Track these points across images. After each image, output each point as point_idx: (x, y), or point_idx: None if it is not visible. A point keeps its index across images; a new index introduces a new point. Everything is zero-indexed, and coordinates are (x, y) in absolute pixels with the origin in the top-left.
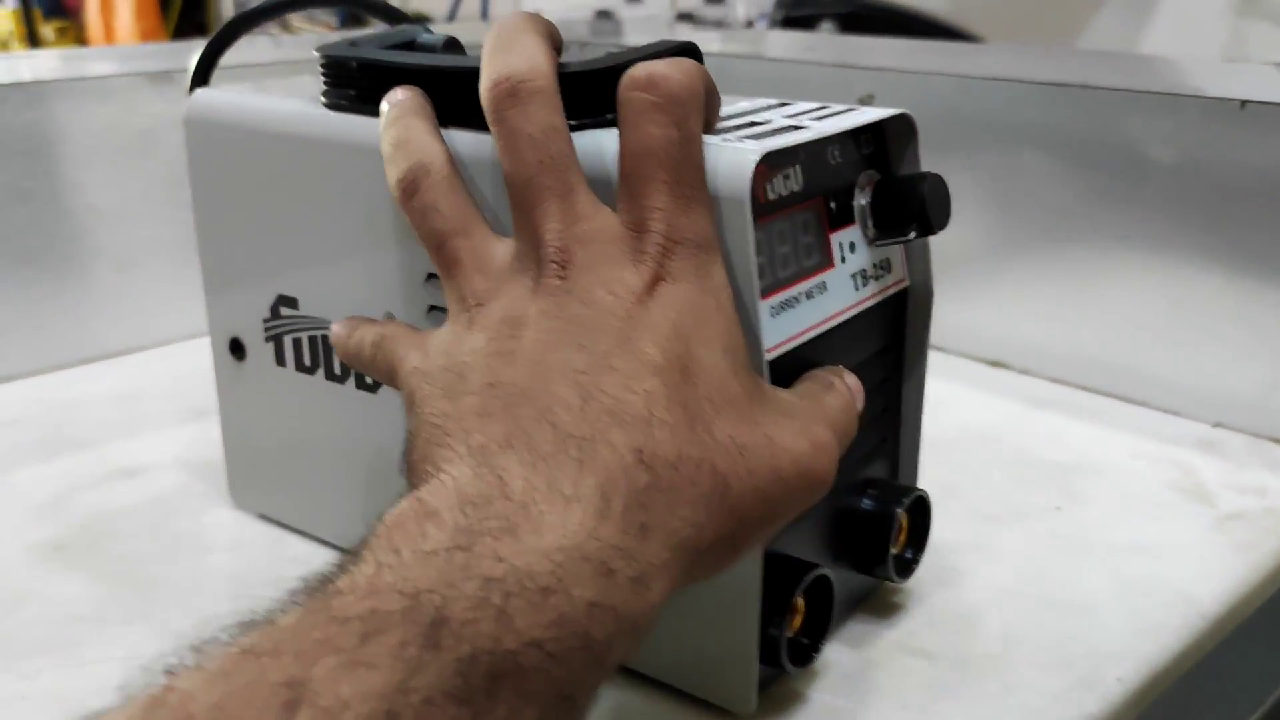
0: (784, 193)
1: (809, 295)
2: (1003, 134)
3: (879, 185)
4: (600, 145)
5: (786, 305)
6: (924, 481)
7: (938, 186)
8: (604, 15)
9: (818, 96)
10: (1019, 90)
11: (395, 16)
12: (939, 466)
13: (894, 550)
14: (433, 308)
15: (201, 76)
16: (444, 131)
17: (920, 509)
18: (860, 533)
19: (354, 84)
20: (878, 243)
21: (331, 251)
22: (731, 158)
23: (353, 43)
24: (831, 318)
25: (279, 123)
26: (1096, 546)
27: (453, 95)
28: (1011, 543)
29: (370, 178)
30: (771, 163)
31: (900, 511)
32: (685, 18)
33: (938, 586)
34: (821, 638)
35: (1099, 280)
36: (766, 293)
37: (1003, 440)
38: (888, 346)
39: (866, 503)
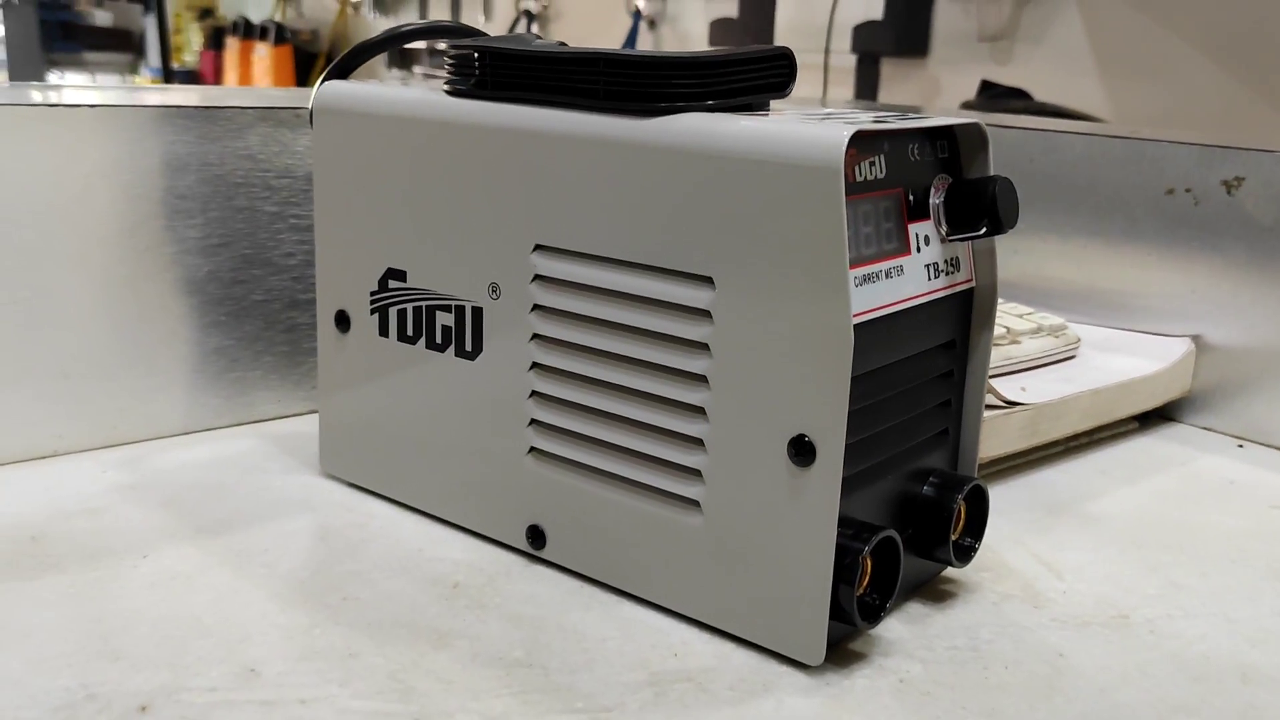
0: (869, 177)
1: (888, 275)
2: None
3: (952, 186)
4: (699, 127)
5: (869, 279)
6: None
7: (1007, 188)
8: None
9: (1173, 179)
10: None
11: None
12: None
13: (953, 537)
14: (538, 276)
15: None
16: (539, 110)
17: (978, 498)
18: (921, 518)
19: (475, 72)
20: (951, 238)
21: (443, 225)
22: (827, 133)
23: (475, 38)
24: (906, 300)
25: (402, 108)
26: None
27: (554, 76)
28: None
29: (484, 154)
30: (860, 147)
31: (959, 499)
32: None
33: None
34: (889, 597)
35: None
36: (853, 264)
37: None
38: (953, 340)
39: (927, 489)
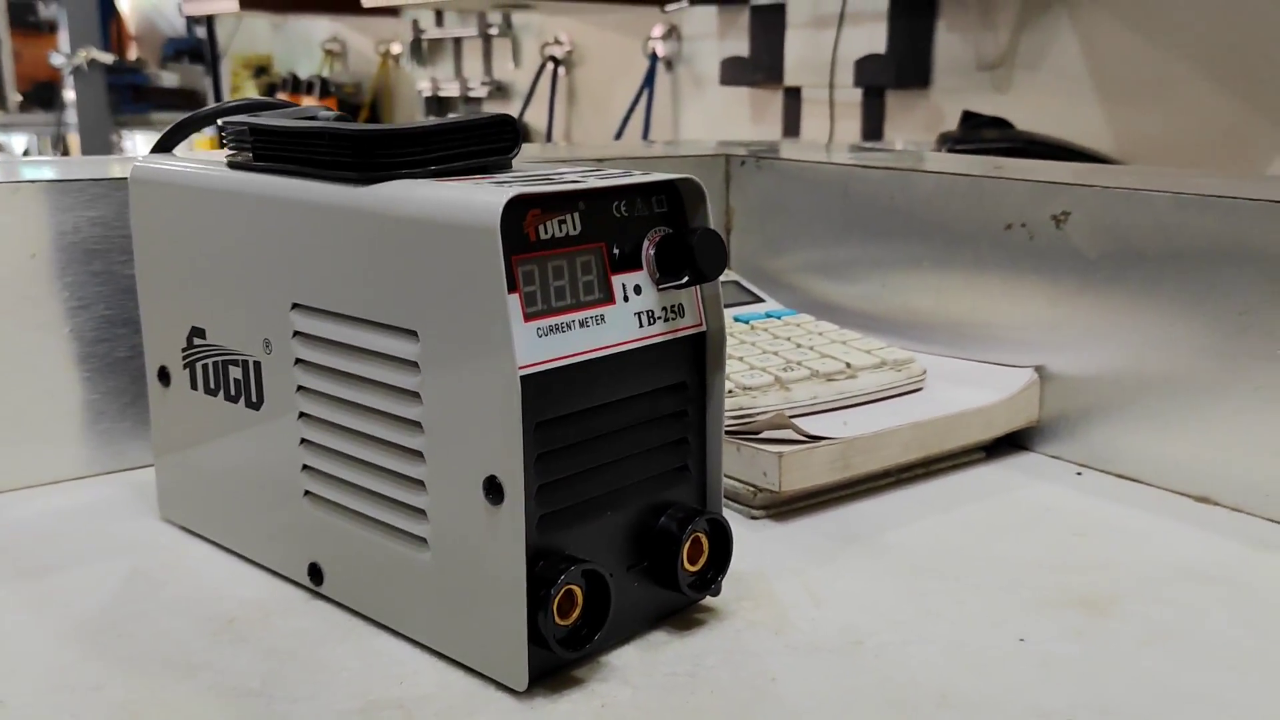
0: (559, 234)
1: (583, 324)
2: (1222, 251)
3: (663, 238)
4: (398, 194)
5: (556, 329)
6: (1132, 618)
7: (707, 239)
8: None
9: (1011, 214)
10: (1241, 207)
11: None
12: (1149, 603)
13: (693, 568)
14: (297, 332)
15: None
16: (290, 180)
17: (719, 531)
18: (656, 550)
19: (249, 145)
20: (662, 287)
21: (226, 286)
22: (489, 198)
23: (255, 115)
24: (609, 346)
25: (192, 179)
26: None
27: (299, 149)
28: (1244, 692)
29: (250, 220)
30: (546, 207)
31: (693, 531)
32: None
33: None
34: (599, 627)
35: None
36: (533, 316)
37: (1222, 581)
38: (684, 383)
39: (663, 521)
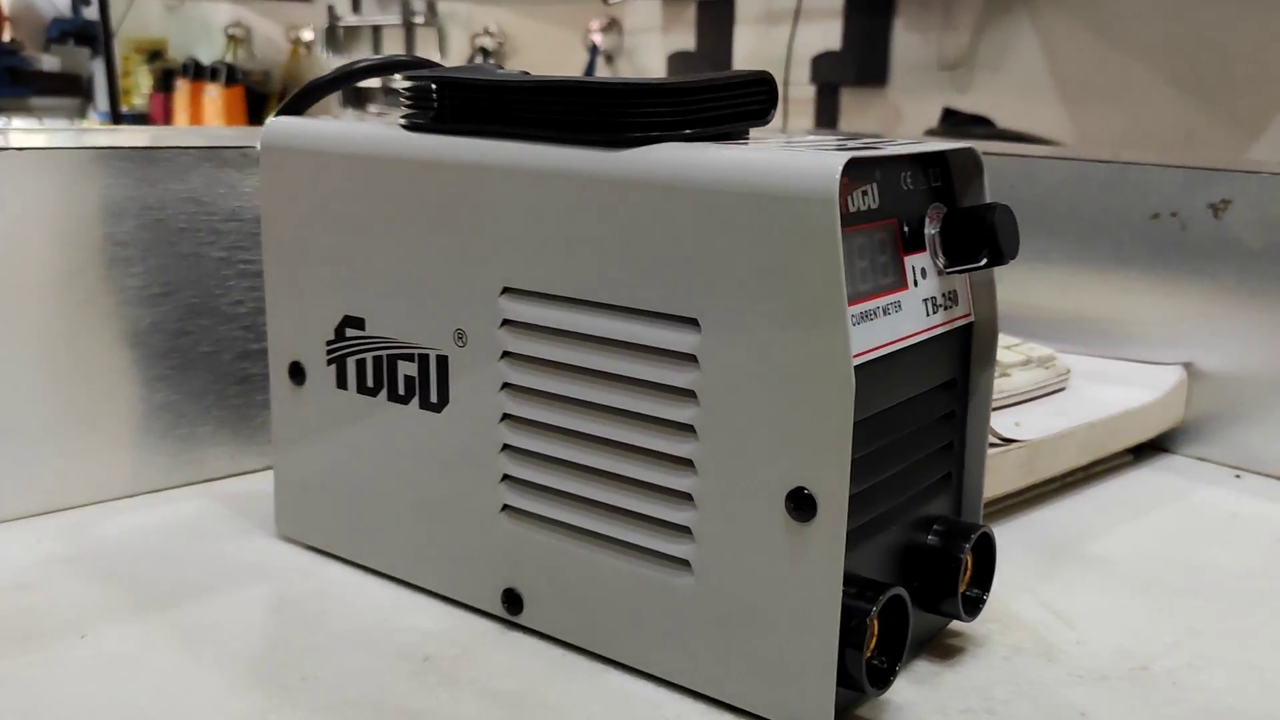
0: (863, 207)
1: (885, 311)
2: None
3: (947, 215)
4: (675, 158)
5: (866, 316)
6: None
7: (1007, 216)
8: None
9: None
10: None
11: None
12: None
13: (960, 589)
14: (506, 321)
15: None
16: (503, 144)
17: (985, 546)
18: (926, 570)
19: (433, 104)
20: (948, 270)
21: (403, 268)
22: (819, 161)
23: (434, 69)
24: (905, 338)
25: (356, 144)
26: None
27: (518, 107)
28: None
29: (445, 191)
30: (853, 175)
31: (966, 548)
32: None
33: None
34: (898, 659)
35: None
36: (850, 301)
37: None
38: (954, 379)
39: (932, 539)
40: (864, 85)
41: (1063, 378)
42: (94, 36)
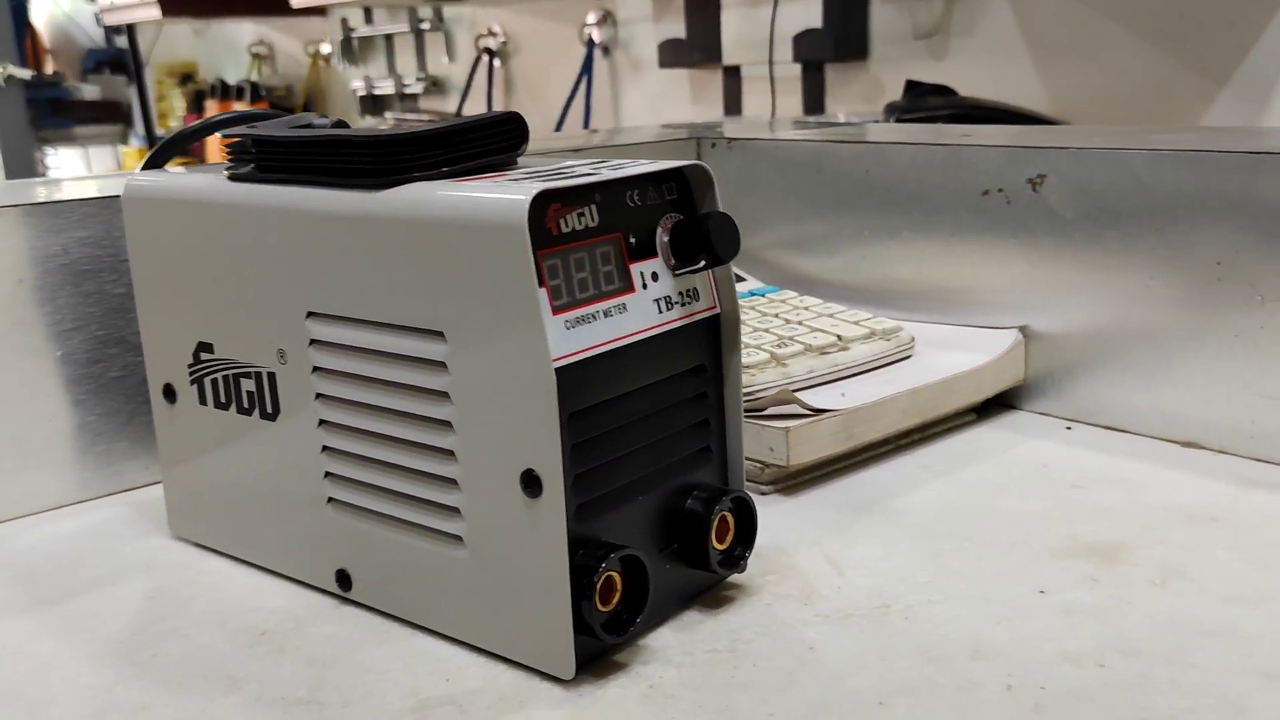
0: (579, 227)
1: (607, 314)
2: (1196, 205)
3: (676, 224)
4: (418, 196)
5: (583, 320)
6: (1142, 563)
7: (721, 222)
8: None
9: (987, 181)
10: (1214, 160)
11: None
12: (1154, 546)
13: (721, 546)
14: (313, 340)
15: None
16: (299, 190)
17: (743, 508)
18: (685, 532)
19: (250, 157)
20: (678, 272)
21: (236, 299)
22: (514, 194)
23: (252, 126)
24: (632, 334)
25: (192, 194)
26: None
27: (309, 158)
28: (1260, 624)
29: (259, 232)
30: (565, 200)
31: (719, 510)
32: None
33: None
34: (639, 611)
35: None
36: (560, 309)
37: (1220, 521)
38: (702, 365)
39: (690, 503)
40: (846, 60)
41: (906, 347)
42: (128, 64)
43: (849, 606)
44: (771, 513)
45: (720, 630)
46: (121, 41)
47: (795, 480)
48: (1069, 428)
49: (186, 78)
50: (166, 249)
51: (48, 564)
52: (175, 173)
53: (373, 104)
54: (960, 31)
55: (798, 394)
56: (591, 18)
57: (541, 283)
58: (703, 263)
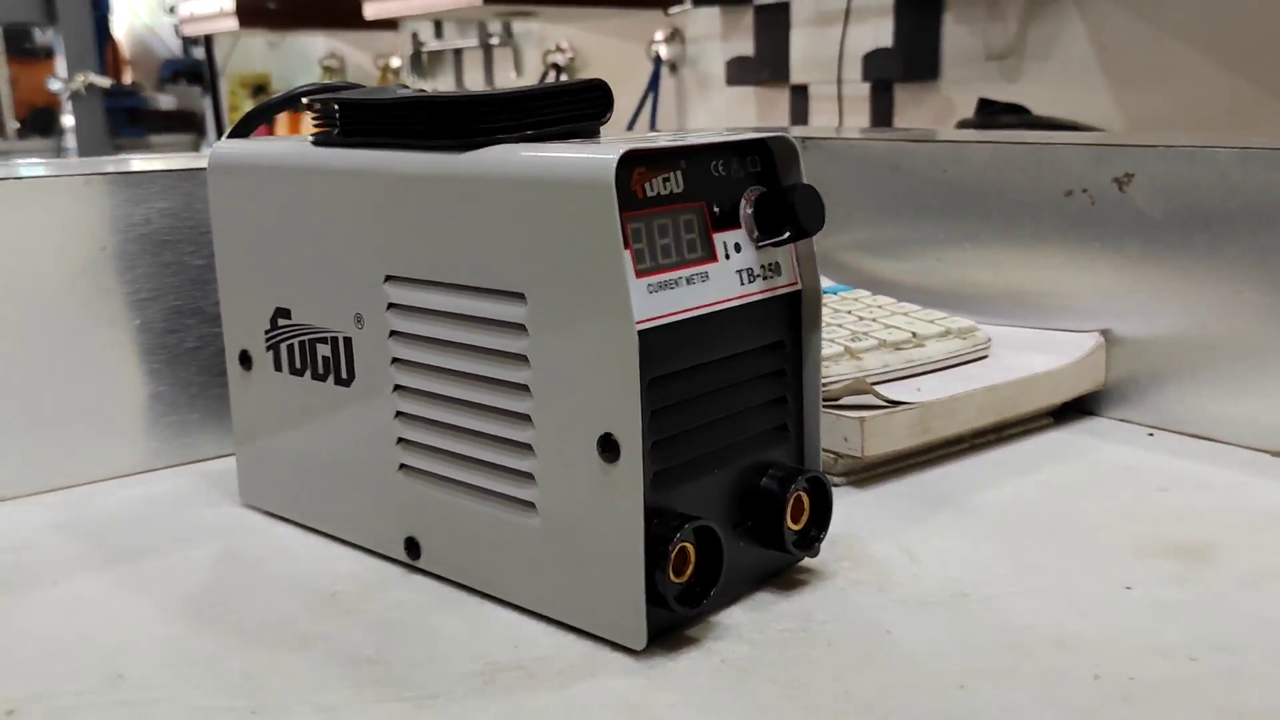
0: (663, 192)
1: (689, 281)
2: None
3: (760, 196)
4: (502, 157)
5: (665, 286)
6: (1232, 564)
7: (806, 194)
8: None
9: (1070, 180)
10: None
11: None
12: (1244, 549)
13: (795, 527)
14: (391, 304)
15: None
16: (381, 153)
17: (818, 489)
18: (759, 510)
19: (334, 122)
20: (761, 244)
21: (314, 264)
22: (599, 154)
23: (337, 94)
24: (713, 304)
25: (275, 159)
26: None
27: (390, 121)
28: None
29: (339, 196)
30: (650, 165)
31: (795, 490)
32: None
33: None
34: (713, 584)
35: None
36: (643, 273)
37: None
38: (781, 341)
39: (765, 482)
40: (916, 80)
41: (982, 347)
42: (203, 75)
43: (925, 594)
44: (845, 503)
45: (793, 611)
46: (198, 53)
47: (869, 473)
48: (1151, 434)
49: (259, 89)
50: (249, 215)
51: (121, 526)
52: (260, 140)
53: None
54: (1034, 54)
55: (874, 386)
56: (659, 35)
57: (626, 245)
58: (787, 234)
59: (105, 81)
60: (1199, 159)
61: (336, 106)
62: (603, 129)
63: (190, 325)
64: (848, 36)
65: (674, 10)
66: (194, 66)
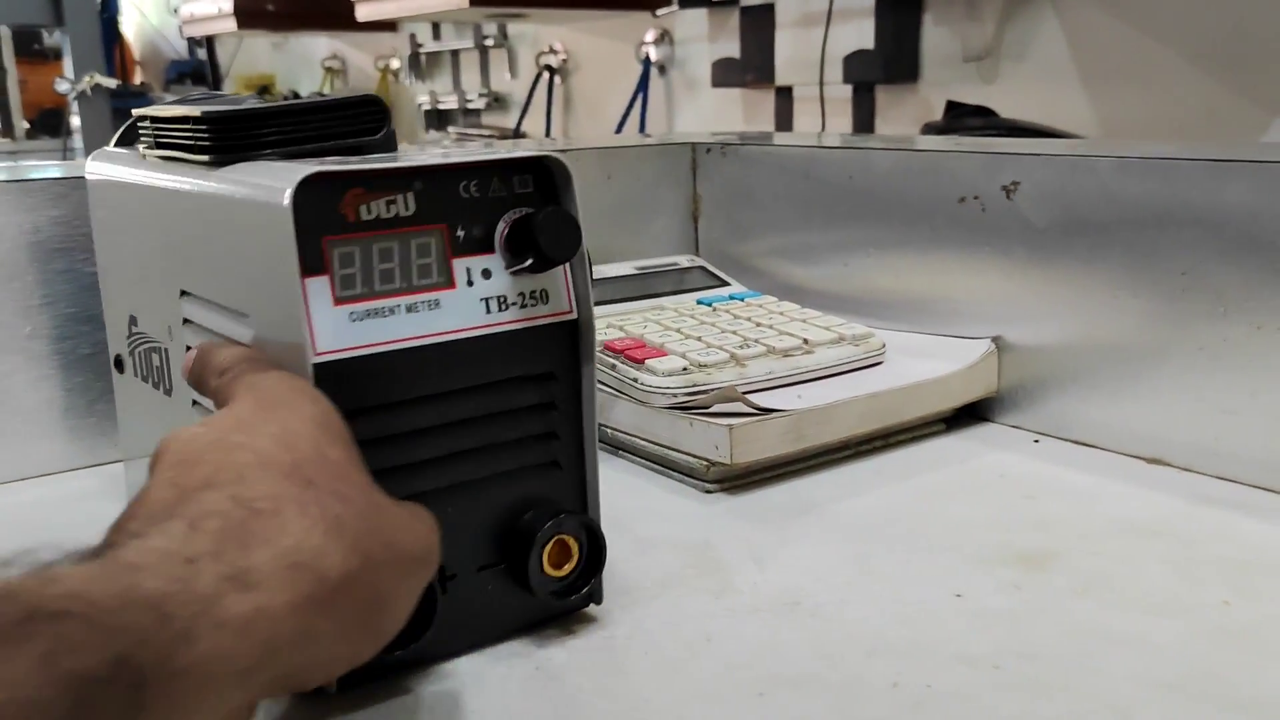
0: (387, 215)
1: (410, 309)
2: (1164, 214)
3: (515, 220)
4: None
5: (374, 314)
6: (1069, 571)
7: (555, 219)
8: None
9: (964, 188)
10: (1181, 168)
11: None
12: (1089, 557)
13: (557, 573)
14: (187, 320)
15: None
16: (161, 167)
17: (592, 535)
18: (512, 550)
19: (144, 134)
20: (511, 270)
21: (143, 276)
22: (285, 178)
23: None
24: (446, 333)
25: (115, 171)
26: (1272, 643)
27: (180, 135)
28: (1173, 635)
29: (145, 210)
30: (372, 186)
31: (551, 531)
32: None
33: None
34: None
35: (1272, 371)
36: (346, 300)
37: (1163, 535)
38: (551, 373)
39: (524, 519)
40: (896, 82)
41: (875, 354)
42: (207, 76)
43: (759, 602)
44: (712, 510)
45: (624, 619)
46: (204, 54)
47: (743, 480)
48: (1037, 441)
49: (263, 89)
50: (110, 224)
51: (27, 526)
52: (116, 152)
53: (437, 118)
54: (1011, 55)
55: (749, 394)
56: (649, 36)
57: (324, 270)
58: (529, 261)
59: (111, 82)
60: (1080, 168)
61: (139, 119)
62: (378, 138)
63: (84, 332)
64: (831, 38)
65: (662, 12)
66: (199, 68)
